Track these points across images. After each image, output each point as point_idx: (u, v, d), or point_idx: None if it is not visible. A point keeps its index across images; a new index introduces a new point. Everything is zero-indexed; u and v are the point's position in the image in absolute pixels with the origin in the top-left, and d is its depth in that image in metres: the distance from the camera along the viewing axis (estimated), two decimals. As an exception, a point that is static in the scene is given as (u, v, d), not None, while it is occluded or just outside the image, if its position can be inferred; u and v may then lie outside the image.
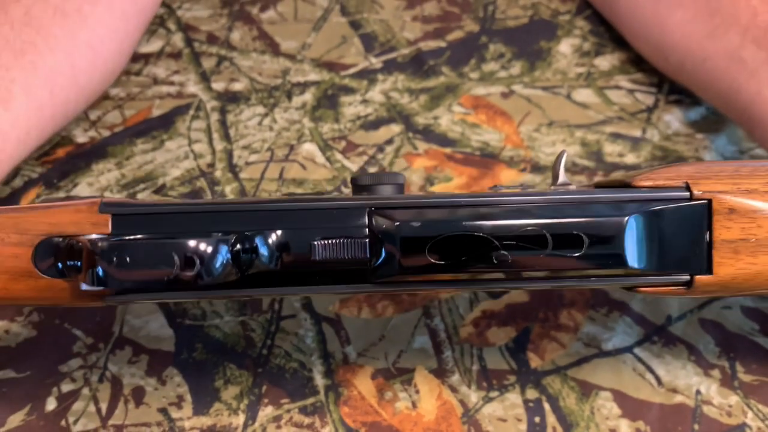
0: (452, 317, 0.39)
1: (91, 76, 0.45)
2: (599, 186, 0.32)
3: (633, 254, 0.27)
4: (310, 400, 0.36)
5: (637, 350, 0.38)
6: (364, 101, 0.52)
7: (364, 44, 0.56)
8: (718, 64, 0.44)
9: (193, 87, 0.52)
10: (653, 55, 0.52)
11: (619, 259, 0.27)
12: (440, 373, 0.37)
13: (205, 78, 0.52)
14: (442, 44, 0.56)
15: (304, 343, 0.38)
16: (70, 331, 0.38)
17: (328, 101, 0.51)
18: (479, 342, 0.38)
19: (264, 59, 0.54)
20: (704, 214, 0.28)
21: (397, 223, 0.27)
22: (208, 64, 0.53)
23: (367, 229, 0.27)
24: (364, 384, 0.36)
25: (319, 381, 0.36)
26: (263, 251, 0.27)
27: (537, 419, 0.35)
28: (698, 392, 0.36)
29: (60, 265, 0.27)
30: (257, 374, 0.36)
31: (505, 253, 0.27)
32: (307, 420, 0.35)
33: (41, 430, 0.34)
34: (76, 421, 0.34)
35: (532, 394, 0.36)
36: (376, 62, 0.55)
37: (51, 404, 0.35)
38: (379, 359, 0.37)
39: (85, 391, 0.36)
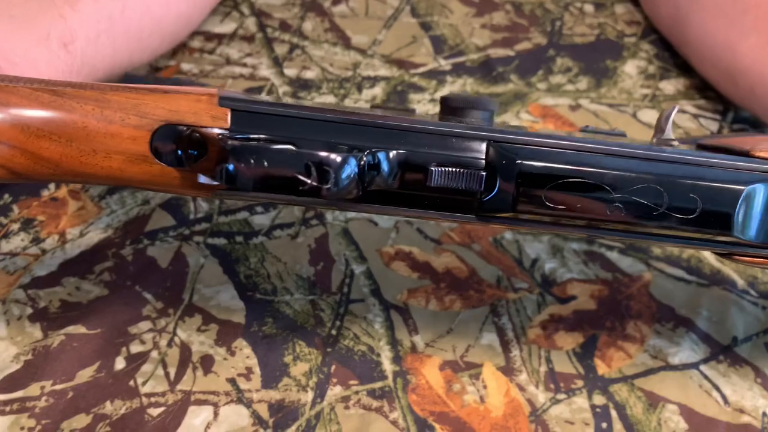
0: (520, 318, 0.39)
1: (165, 11, 0.46)
2: (701, 148, 0.31)
3: (743, 223, 0.27)
4: (378, 384, 0.35)
5: (703, 367, 0.38)
6: (433, 100, 0.53)
7: (434, 46, 0.56)
8: None
9: (266, 71, 0.52)
10: (722, 80, 0.52)
11: (728, 227, 0.27)
12: (508, 371, 0.36)
13: (277, 63, 0.53)
14: (511, 53, 0.56)
15: (373, 328, 0.38)
16: (140, 294, 0.38)
17: (398, 97, 0.52)
18: (547, 344, 0.38)
19: (335, 51, 0.54)
20: None
21: (518, 161, 0.27)
22: (280, 50, 0.54)
23: (484, 162, 0.27)
24: (432, 374, 0.36)
25: (387, 366, 0.36)
26: (385, 169, 0.27)
27: (604, 425, 0.35)
28: (765, 414, 0.36)
29: (179, 152, 0.26)
30: (326, 353, 0.36)
31: (620, 205, 0.27)
32: (375, 403, 0.34)
33: (109, 388, 0.34)
34: (144, 383, 0.34)
35: (599, 400, 0.36)
36: (445, 64, 0.55)
37: (120, 363, 0.35)
38: (447, 351, 0.37)
39: (154, 354, 0.35)
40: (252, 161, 0.25)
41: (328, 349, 0.36)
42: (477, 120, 0.29)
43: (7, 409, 0.33)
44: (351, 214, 0.43)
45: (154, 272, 0.38)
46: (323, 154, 0.25)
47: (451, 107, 0.29)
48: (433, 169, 0.27)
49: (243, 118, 0.27)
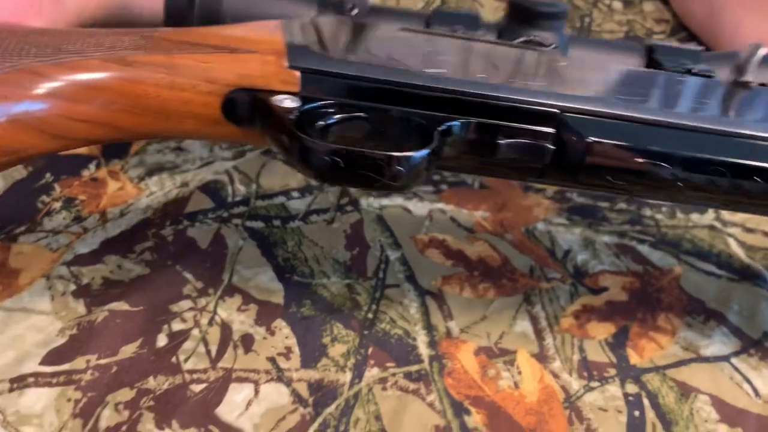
0: (553, 307, 0.39)
1: None
2: None
3: None
4: (415, 367, 0.36)
5: (734, 360, 0.38)
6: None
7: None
8: None
9: None
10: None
11: None
12: (542, 358, 0.37)
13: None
14: (541, 48, 0.57)
15: (408, 312, 0.38)
16: (181, 273, 0.38)
17: None
18: (580, 334, 0.38)
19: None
20: None
21: (587, 138, 0.27)
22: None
23: (553, 136, 0.28)
24: (467, 358, 0.36)
25: (423, 350, 0.37)
26: (455, 140, 0.27)
27: (636, 413, 0.35)
28: (795, 407, 0.37)
29: (250, 117, 0.27)
30: (363, 336, 0.37)
31: (689, 182, 0.28)
32: (412, 386, 0.35)
33: (152, 364, 0.35)
34: (186, 360, 0.35)
35: (632, 388, 0.36)
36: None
37: (162, 341, 0.36)
38: (481, 337, 0.38)
39: (195, 332, 0.36)
40: (330, 163, 0.25)
41: (365, 332, 0.37)
42: (547, 29, 0.30)
43: (54, 381, 0.34)
44: (385, 201, 0.44)
45: (194, 253, 0.39)
46: (399, 155, 0.25)
47: (519, 12, 0.30)
48: (501, 142, 0.27)
49: (314, 82, 0.27)
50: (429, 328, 0.38)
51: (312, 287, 0.39)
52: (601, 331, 0.39)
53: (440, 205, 0.44)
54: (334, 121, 0.27)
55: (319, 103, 0.27)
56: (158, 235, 0.40)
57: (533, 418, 0.35)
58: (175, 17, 0.34)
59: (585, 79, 0.30)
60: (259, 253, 0.40)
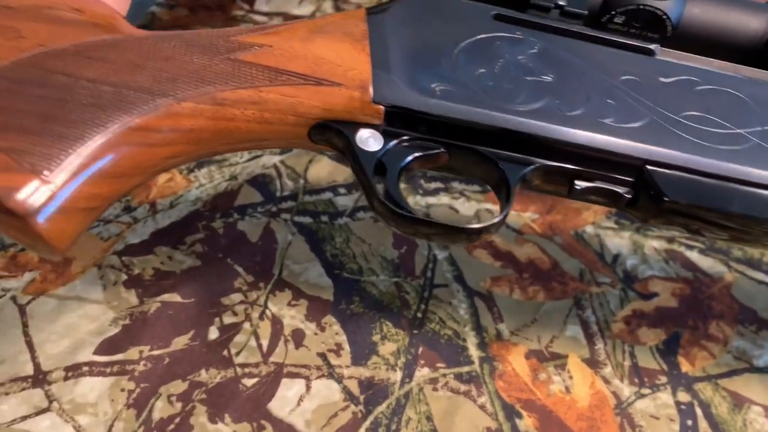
0: (603, 312, 0.39)
1: None
2: None
3: None
4: (465, 369, 0.36)
5: (787, 371, 0.38)
6: None
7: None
8: None
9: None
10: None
11: None
12: (593, 364, 0.37)
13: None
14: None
15: (458, 313, 0.38)
16: (232, 266, 0.38)
17: None
18: (631, 339, 0.38)
19: None
20: None
21: (665, 198, 0.27)
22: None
23: (631, 185, 0.28)
24: (518, 362, 0.36)
25: (474, 352, 0.36)
26: (532, 179, 0.28)
27: (689, 422, 0.35)
28: None
29: (335, 143, 0.28)
30: (413, 335, 0.37)
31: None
32: (463, 387, 0.35)
33: (204, 356, 0.35)
34: (238, 353, 0.35)
35: (684, 397, 0.36)
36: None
37: (213, 333, 0.36)
38: (531, 340, 0.37)
39: (246, 326, 0.36)
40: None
41: (415, 331, 0.37)
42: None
43: (108, 370, 0.34)
44: (432, 200, 0.44)
45: (244, 246, 0.39)
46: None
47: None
48: (577, 187, 0.28)
49: (397, 116, 0.27)
50: (479, 329, 0.37)
51: (361, 284, 0.38)
52: (652, 337, 0.38)
53: (488, 205, 0.44)
54: (415, 157, 0.27)
55: (401, 138, 0.27)
56: (209, 227, 0.40)
57: (584, 424, 0.34)
58: None
59: (680, 107, 0.29)
60: (308, 249, 0.40)
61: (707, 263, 0.42)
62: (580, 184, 0.28)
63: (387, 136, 0.27)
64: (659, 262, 0.42)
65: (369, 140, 0.27)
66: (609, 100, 0.28)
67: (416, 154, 0.28)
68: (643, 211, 0.28)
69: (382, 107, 0.27)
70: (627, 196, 0.28)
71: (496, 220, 0.28)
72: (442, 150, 0.28)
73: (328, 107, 0.27)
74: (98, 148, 0.24)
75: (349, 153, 0.27)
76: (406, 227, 0.28)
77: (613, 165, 0.27)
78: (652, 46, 0.30)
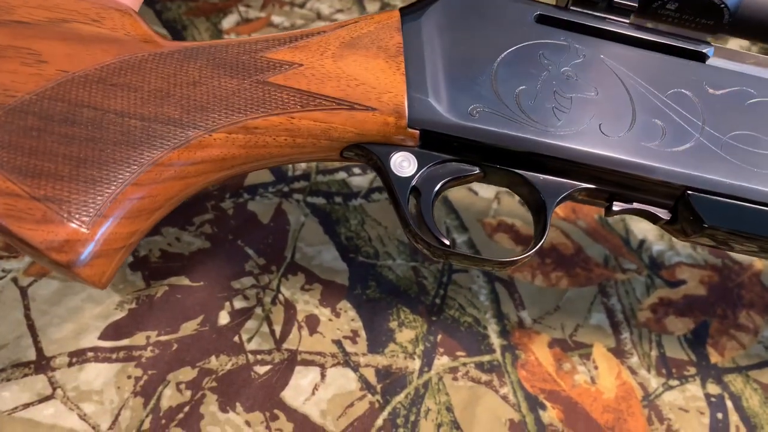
0: (629, 299, 0.37)
1: None
2: None
3: None
4: (487, 358, 0.34)
5: (820, 363, 0.36)
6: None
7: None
8: None
9: (358, 28, 0.50)
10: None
11: None
12: (619, 353, 0.35)
13: (369, 21, 0.51)
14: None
15: (478, 299, 0.36)
16: (242, 248, 0.37)
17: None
18: (658, 328, 0.36)
19: None
20: None
21: (705, 225, 0.26)
22: (371, 7, 0.52)
23: (670, 209, 0.27)
24: (541, 351, 0.35)
25: (495, 340, 0.35)
26: (575, 195, 0.27)
27: (719, 415, 0.34)
28: None
29: (368, 161, 0.27)
30: (431, 322, 0.35)
31: None
32: (485, 377, 0.33)
33: (213, 343, 0.33)
34: (249, 339, 0.33)
35: (713, 389, 0.34)
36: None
37: (224, 318, 0.34)
38: (555, 329, 0.36)
39: (258, 311, 0.35)
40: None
41: (433, 318, 0.35)
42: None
43: (114, 356, 0.32)
44: (449, 182, 0.42)
45: (255, 227, 0.37)
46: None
47: None
48: (615, 208, 0.27)
49: (433, 138, 0.26)
50: (500, 316, 0.36)
51: (377, 268, 0.37)
52: (680, 326, 0.37)
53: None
54: (449, 180, 0.26)
55: (436, 160, 0.26)
56: (218, 208, 0.38)
57: (611, 416, 0.33)
58: None
59: (729, 126, 0.27)
60: (322, 231, 0.38)
61: (736, 250, 0.41)
62: (619, 205, 0.26)
63: (422, 158, 0.26)
64: (686, 249, 0.40)
65: (403, 164, 0.26)
66: (655, 120, 0.26)
67: (451, 177, 0.27)
68: (682, 232, 0.27)
69: (417, 131, 0.25)
70: (665, 218, 0.26)
71: (528, 253, 0.27)
72: (478, 171, 0.27)
73: (361, 132, 0.26)
74: (132, 188, 0.24)
75: (383, 176, 0.26)
76: (439, 255, 0.27)
77: (654, 190, 0.26)
78: (705, 50, 0.28)
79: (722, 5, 0.26)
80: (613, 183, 0.26)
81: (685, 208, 0.26)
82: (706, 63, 0.27)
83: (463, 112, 0.26)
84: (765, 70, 0.27)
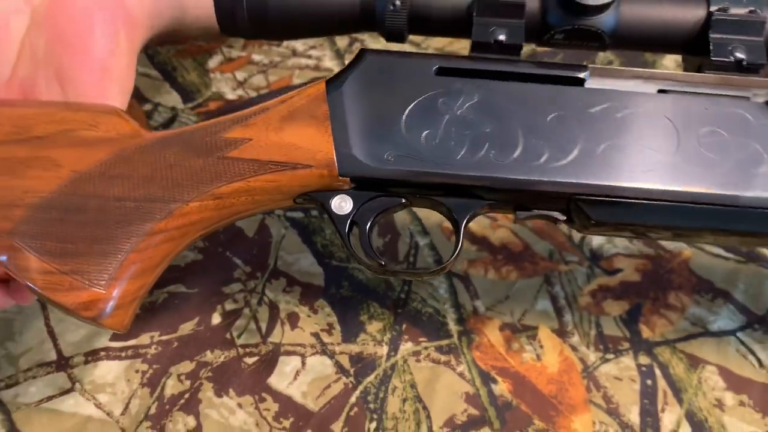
0: (571, 287, 0.43)
1: None
2: None
3: None
4: (445, 342, 0.39)
5: (740, 334, 0.41)
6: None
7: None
8: None
9: (329, 62, 0.56)
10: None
11: None
12: (561, 333, 0.40)
13: (339, 55, 0.57)
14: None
15: (438, 293, 0.42)
16: (231, 259, 0.42)
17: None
18: (596, 311, 0.42)
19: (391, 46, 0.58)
20: None
21: (593, 220, 0.31)
22: (341, 43, 0.58)
23: (563, 212, 0.32)
24: (493, 334, 0.40)
25: (453, 327, 0.40)
26: (481, 209, 0.33)
27: (649, 382, 0.39)
28: (796, 376, 0.40)
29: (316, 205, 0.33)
30: (397, 314, 0.40)
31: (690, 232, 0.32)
32: (443, 358, 0.39)
33: (208, 340, 0.38)
34: (239, 335, 0.39)
35: (644, 360, 0.40)
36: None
37: (216, 319, 0.39)
38: (505, 315, 0.41)
39: (246, 311, 0.40)
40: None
41: (399, 310, 0.41)
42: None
43: (123, 354, 0.38)
44: (413, 193, 0.48)
45: (242, 240, 0.43)
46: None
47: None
48: (519, 213, 0.32)
49: (362, 181, 0.32)
50: (457, 306, 0.41)
51: (349, 270, 0.42)
52: (616, 308, 0.42)
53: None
54: (380, 212, 0.32)
55: (368, 198, 0.32)
56: (208, 225, 0.44)
57: (554, 387, 0.38)
58: (223, 14, 0.35)
59: (602, 137, 0.32)
60: (300, 241, 0.44)
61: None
62: (522, 213, 0.32)
63: (356, 197, 0.32)
64: (623, 241, 0.46)
65: (342, 204, 0.32)
66: (540, 141, 0.32)
67: (382, 209, 0.32)
68: (580, 227, 0.32)
69: (347, 178, 0.31)
70: (562, 218, 0.32)
71: (449, 261, 0.33)
72: (404, 201, 0.33)
73: (305, 184, 0.32)
74: (134, 255, 0.30)
75: (328, 215, 0.32)
76: (378, 272, 0.34)
77: (546, 199, 0.31)
78: (581, 74, 0.33)
79: (600, 32, 0.32)
80: (511, 197, 0.32)
81: (575, 209, 0.31)
82: (584, 86, 0.33)
83: (380, 158, 0.31)
84: (637, 82, 0.33)
